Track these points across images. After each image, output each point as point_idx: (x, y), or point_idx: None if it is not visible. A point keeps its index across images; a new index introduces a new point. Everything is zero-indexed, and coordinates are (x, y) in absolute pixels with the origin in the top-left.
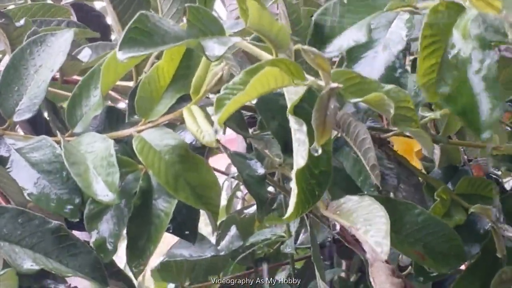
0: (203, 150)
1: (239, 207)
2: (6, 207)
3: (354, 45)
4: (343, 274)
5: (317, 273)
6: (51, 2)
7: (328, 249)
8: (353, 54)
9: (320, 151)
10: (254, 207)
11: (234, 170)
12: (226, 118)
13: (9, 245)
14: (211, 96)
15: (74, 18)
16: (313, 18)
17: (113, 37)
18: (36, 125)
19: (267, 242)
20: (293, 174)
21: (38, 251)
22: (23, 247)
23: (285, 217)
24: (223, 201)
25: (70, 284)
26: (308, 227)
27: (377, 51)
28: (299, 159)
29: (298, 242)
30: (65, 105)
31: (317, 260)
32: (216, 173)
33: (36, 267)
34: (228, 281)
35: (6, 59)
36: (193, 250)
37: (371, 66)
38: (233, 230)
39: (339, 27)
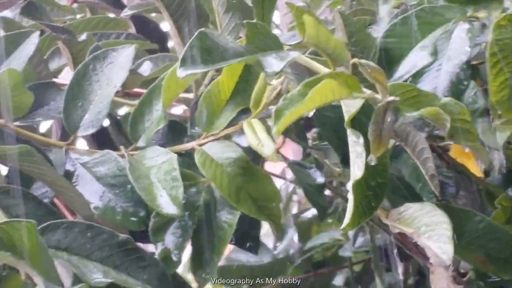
0: (257, 156)
1: (295, 210)
2: (75, 222)
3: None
4: (401, 277)
5: (377, 279)
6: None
7: (386, 251)
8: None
9: (374, 162)
10: (311, 211)
11: (290, 173)
12: (284, 129)
13: (79, 259)
14: (270, 107)
15: (133, 30)
16: (378, 43)
17: (169, 44)
18: (98, 139)
19: (325, 246)
20: (350, 186)
21: (107, 265)
22: (92, 260)
23: (341, 227)
24: None
25: None
26: (368, 234)
27: (441, 63)
28: (356, 171)
29: (356, 245)
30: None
31: (376, 266)
32: (272, 177)
33: (107, 280)
34: (286, 284)
35: (69, 73)
36: (250, 255)
37: (436, 79)
38: (290, 233)
39: (405, 48)
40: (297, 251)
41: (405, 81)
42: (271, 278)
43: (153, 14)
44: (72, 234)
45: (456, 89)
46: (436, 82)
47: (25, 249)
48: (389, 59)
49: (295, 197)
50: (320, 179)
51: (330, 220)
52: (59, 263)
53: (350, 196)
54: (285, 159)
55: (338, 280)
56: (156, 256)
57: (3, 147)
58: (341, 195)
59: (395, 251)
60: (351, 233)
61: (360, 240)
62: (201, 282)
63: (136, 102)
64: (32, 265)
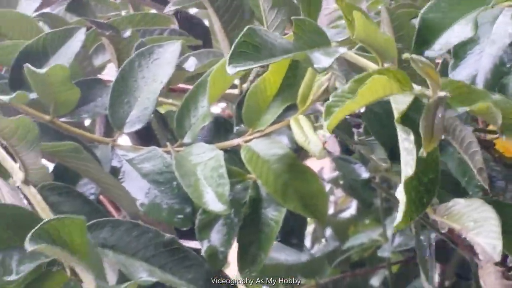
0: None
1: (331, 211)
2: (120, 221)
3: (461, 41)
4: (437, 279)
5: (422, 275)
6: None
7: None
8: (460, 50)
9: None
10: (349, 211)
11: (326, 173)
12: (335, 125)
13: (125, 258)
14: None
15: (176, 26)
16: (419, 16)
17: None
18: (141, 136)
19: (363, 246)
20: (401, 183)
21: (153, 264)
22: (138, 259)
23: (394, 225)
24: None
25: None
26: (413, 230)
27: (484, 46)
28: (407, 168)
29: (394, 245)
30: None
31: (422, 262)
32: None
33: (153, 280)
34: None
35: (112, 69)
36: (288, 254)
37: (477, 63)
38: (328, 232)
39: (445, 23)
40: (335, 251)
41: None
42: (309, 278)
43: (195, 10)
44: (118, 232)
45: (499, 71)
46: (477, 66)
47: (74, 245)
48: (428, 32)
49: (331, 198)
50: (364, 174)
51: (367, 221)
52: (104, 261)
53: (402, 194)
54: (329, 154)
55: (375, 280)
56: (202, 254)
57: (50, 144)
58: (387, 191)
59: (433, 252)
60: (389, 233)
61: (397, 240)
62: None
63: (174, 101)
64: (81, 261)
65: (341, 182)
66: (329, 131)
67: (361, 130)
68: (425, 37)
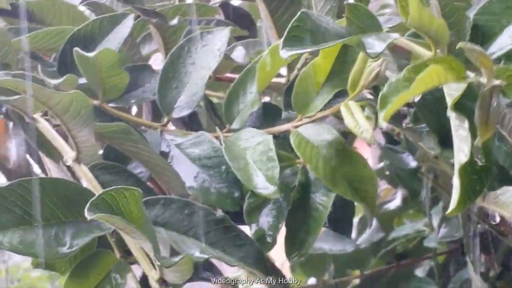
0: None
1: None
2: (172, 198)
3: None
4: (482, 269)
5: (469, 265)
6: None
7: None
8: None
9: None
10: (393, 203)
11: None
12: (390, 115)
13: (177, 235)
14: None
15: (221, 17)
16: (470, 19)
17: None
18: (187, 122)
19: (408, 237)
20: (455, 171)
21: (204, 241)
22: (190, 236)
23: (448, 212)
24: None
25: (227, 277)
26: (460, 219)
27: None
28: (461, 155)
29: (439, 235)
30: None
31: (470, 252)
32: None
33: (205, 256)
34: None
35: (157, 60)
36: (333, 244)
37: None
38: (373, 223)
39: (499, 26)
40: (380, 242)
41: (498, 58)
42: (353, 269)
43: (239, 1)
44: (170, 210)
45: None
46: None
47: (132, 216)
48: (482, 36)
49: None
50: (412, 163)
51: (411, 212)
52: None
53: (456, 181)
54: (378, 143)
55: (420, 271)
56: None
57: (101, 124)
58: (435, 181)
59: (478, 243)
60: (435, 224)
61: (443, 231)
62: (295, 261)
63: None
64: (139, 231)
65: (387, 173)
66: (385, 121)
67: (407, 120)
68: (478, 40)
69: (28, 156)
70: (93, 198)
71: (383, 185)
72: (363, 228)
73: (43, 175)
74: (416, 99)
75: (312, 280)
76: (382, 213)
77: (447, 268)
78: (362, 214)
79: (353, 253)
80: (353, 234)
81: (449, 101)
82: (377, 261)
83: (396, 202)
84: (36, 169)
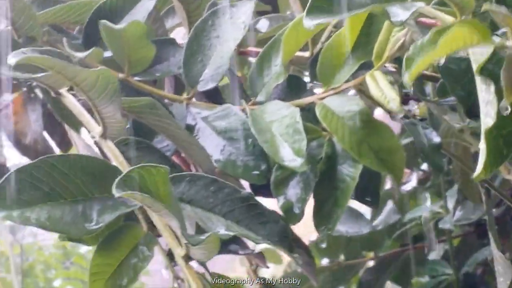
0: None
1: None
2: (199, 175)
3: None
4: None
5: (492, 242)
6: None
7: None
8: None
9: (509, 109)
10: (409, 184)
11: None
12: (415, 77)
13: (202, 212)
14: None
15: None
16: None
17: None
18: (211, 96)
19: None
20: (481, 135)
21: (230, 219)
22: (215, 214)
23: (474, 176)
24: None
25: (254, 250)
26: (483, 196)
27: None
28: (487, 119)
29: (454, 218)
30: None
31: (492, 229)
32: None
33: (230, 233)
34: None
35: (179, 34)
36: (349, 225)
37: None
38: (389, 205)
39: None
40: (395, 224)
41: None
42: (368, 250)
43: None
44: (196, 187)
45: None
46: None
47: (159, 194)
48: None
49: None
50: (436, 139)
51: (427, 195)
52: None
53: (482, 145)
54: (400, 118)
55: (434, 254)
56: (279, 208)
57: (127, 98)
58: (457, 156)
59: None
60: (450, 206)
61: (458, 214)
62: (323, 235)
63: None
64: (166, 209)
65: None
66: (410, 82)
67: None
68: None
69: (44, 132)
70: (120, 176)
71: None
72: (380, 209)
73: (58, 151)
74: (441, 62)
75: (325, 261)
76: (399, 194)
77: (461, 251)
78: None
79: (369, 234)
80: (368, 216)
81: (475, 66)
82: (392, 243)
83: (411, 184)
84: (52, 145)
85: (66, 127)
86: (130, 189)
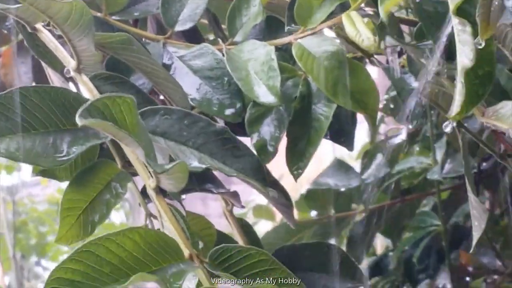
0: None
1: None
2: (172, 109)
3: None
4: (487, 205)
5: (467, 186)
6: None
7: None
8: None
9: (483, 44)
10: (399, 137)
11: None
12: (390, 8)
13: (175, 144)
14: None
15: None
16: None
17: None
18: (190, 37)
19: (413, 170)
20: (458, 75)
21: (203, 152)
22: (189, 147)
23: (451, 115)
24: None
25: (230, 189)
26: (460, 142)
27: None
28: (464, 59)
29: (444, 171)
30: None
31: (468, 173)
32: None
33: (202, 166)
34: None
35: None
36: (338, 179)
37: None
38: (379, 158)
39: None
40: (385, 177)
41: None
42: (358, 204)
43: None
44: (170, 120)
45: None
46: None
47: (126, 124)
48: None
49: (382, 128)
50: (414, 83)
51: (417, 148)
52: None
53: (459, 85)
54: (379, 62)
55: (424, 207)
56: (252, 146)
57: (103, 33)
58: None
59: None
60: (439, 158)
61: (448, 167)
62: (296, 174)
63: None
64: (132, 138)
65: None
66: (385, 14)
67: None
68: None
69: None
70: (85, 105)
71: (390, 124)
72: (369, 163)
73: None
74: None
75: (313, 213)
76: (387, 148)
77: (450, 204)
78: (367, 148)
79: (358, 188)
80: (358, 169)
81: (452, 6)
82: (382, 196)
83: (401, 137)
84: None
85: (44, 65)
86: (95, 118)
